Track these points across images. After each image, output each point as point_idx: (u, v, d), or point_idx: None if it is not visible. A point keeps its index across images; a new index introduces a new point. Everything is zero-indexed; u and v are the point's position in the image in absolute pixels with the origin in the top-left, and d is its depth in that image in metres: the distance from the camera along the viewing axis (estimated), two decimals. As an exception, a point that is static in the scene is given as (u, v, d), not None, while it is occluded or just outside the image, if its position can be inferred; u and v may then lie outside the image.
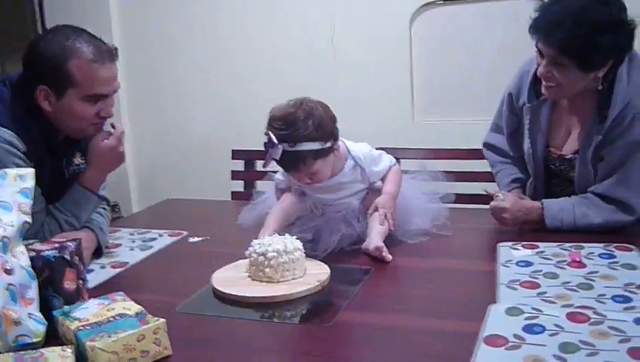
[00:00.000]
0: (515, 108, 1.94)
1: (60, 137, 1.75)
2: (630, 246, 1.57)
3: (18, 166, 1.55)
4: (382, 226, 1.67)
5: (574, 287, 1.36)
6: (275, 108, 1.67)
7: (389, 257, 1.60)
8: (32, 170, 1.37)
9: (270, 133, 1.63)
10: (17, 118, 1.62)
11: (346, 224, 1.74)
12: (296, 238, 1.58)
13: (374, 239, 1.63)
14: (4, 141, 1.57)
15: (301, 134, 1.61)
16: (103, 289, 1.50)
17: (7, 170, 1.35)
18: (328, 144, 1.66)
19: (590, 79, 1.66)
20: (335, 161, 1.73)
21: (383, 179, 1.80)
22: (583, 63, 1.62)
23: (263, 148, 1.66)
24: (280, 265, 1.46)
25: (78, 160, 1.82)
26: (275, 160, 1.65)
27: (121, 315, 1.20)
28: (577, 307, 1.25)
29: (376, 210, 1.70)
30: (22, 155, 1.60)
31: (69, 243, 1.34)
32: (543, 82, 1.72)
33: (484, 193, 1.82)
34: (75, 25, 1.70)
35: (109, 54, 1.65)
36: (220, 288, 1.45)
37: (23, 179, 1.35)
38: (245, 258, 1.54)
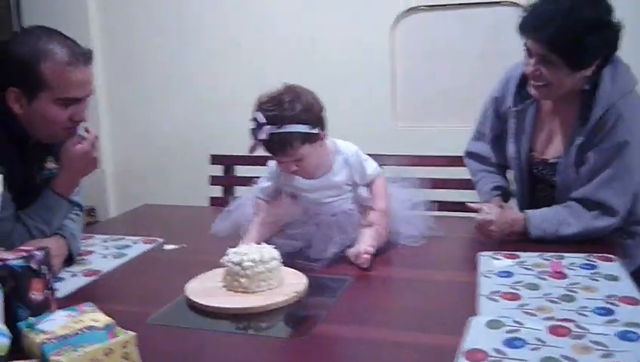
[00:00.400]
0: (499, 112, 1.93)
1: (32, 142, 1.68)
2: (611, 256, 1.56)
3: None
4: (372, 236, 1.64)
5: (556, 299, 1.33)
6: (262, 94, 1.67)
7: (364, 264, 1.57)
8: (0, 176, 1.32)
9: (258, 113, 1.61)
10: None
11: (340, 230, 1.69)
12: (285, 246, 1.60)
13: (361, 245, 1.61)
14: None
15: (288, 115, 1.61)
16: (74, 299, 1.45)
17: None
18: (316, 130, 1.65)
19: (577, 79, 1.67)
20: (324, 156, 1.71)
21: (370, 188, 1.77)
22: (571, 61, 1.63)
23: (251, 134, 1.64)
24: (256, 274, 1.43)
25: (50, 165, 1.76)
26: (263, 143, 1.62)
27: (89, 328, 1.15)
28: (559, 320, 1.23)
29: (369, 226, 1.67)
30: None
31: (36, 252, 1.29)
32: (532, 82, 1.72)
33: (469, 205, 1.79)
34: (53, 23, 1.65)
35: (83, 57, 1.60)
36: (194, 298, 1.41)
37: (-11, 185, 1.30)
38: (221, 267, 1.50)
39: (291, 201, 1.74)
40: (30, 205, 1.67)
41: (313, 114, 1.65)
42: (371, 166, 1.78)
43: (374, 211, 1.72)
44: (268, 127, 1.60)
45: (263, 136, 1.60)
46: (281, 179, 1.76)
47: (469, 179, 2.27)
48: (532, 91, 1.74)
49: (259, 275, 1.43)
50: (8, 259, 1.25)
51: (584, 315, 1.25)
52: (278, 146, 1.63)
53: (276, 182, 1.79)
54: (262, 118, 1.61)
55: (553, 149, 1.82)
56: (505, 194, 1.93)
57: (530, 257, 1.59)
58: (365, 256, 1.58)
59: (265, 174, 1.84)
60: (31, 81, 1.55)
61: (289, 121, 1.61)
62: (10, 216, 1.59)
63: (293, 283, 1.47)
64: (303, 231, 1.71)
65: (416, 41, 3.40)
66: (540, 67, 1.66)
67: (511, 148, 1.88)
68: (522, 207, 1.94)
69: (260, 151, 1.66)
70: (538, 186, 1.90)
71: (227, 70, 3.72)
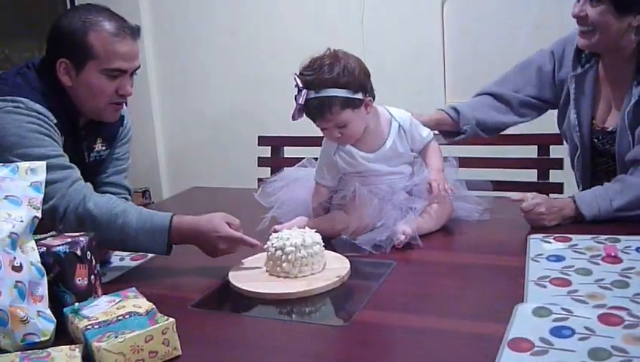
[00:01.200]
0: (548, 75, 1.92)
1: (82, 121, 1.72)
2: (671, 239, 1.48)
3: (49, 132, 1.56)
4: (420, 219, 1.63)
5: (608, 285, 1.27)
6: (306, 58, 1.66)
7: (399, 244, 1.56)
8: (43, 163, 1.34)
9: (297, 77, 1.62)
10: (45, 96, 1.61)
11: (391, 205, 1.67)
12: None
13: (402, 225, 1.58)
14: (39, 113, 1.57)
15: (326, 79, 1.59)
16: (119, 283, 1.48)
17: (19, 163, 1.32)
18: (358, 95, 1.62)
19: (624, 28, 1.63)
20: (374, 124, 1.70)
21: (424, 151, 1.77)
22: (618, 3, 1.60)
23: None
24: (298, 259, 1.41)
25: (98, 146, 1.79)
26: (304, 108, 1.62)
27: (130, 314, 1.16)
28: (610, 308, 1.17)
29: (430, 188, 1.66)
30: (54, 126, 1.59)
31: (80, 239, 1.31)
32: (578, 27, 1.71)
33: (511, 199, 1.73)
34: (104, 4, 1.69)
35: (130, 30, 1.64)
36: (236, 283, 1.41)
37: (34, 172, 1.32)
38: (264, 251, 1.50)
39: (344, 215, 1.68)
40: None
41: (354, 78, 1.61)
42: (425, 130, 1.77)
43: (431, 168, 1.71)
44: (306, 91, 1.59)
45: (301, 100, 1.60)
46: (336, 156, 1.73)
47: (525, 158, 2.21)
48: (578, 41, 1.72)
49: (301, 260, 1.42)
50: (53, 246, 1.28)
51: (638, 303, 1.19)
52: (316, 111, 1.62)
53: (331, 160, 1.75)
54: (300, 83, 1.61)
55: (613, 118, 1.76)
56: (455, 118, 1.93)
57: (583, 240, 1.53)
58: (402, 236, 1.56)
59: (321, 157, 1.80)
60: (79, 51, 1.60)
61: (327, 85, 1.59)
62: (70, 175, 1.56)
63: (336, 267, 1.46)
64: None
65: (468, 14, 3.31)
66: (585, 8, 1.64)
67: (572, 116, 1.83)
68: (583, 184, 1.88)
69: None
70: (598, 160, 1.83)
71: (275, 51, 3.71)
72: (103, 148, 1.81)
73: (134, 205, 1.60)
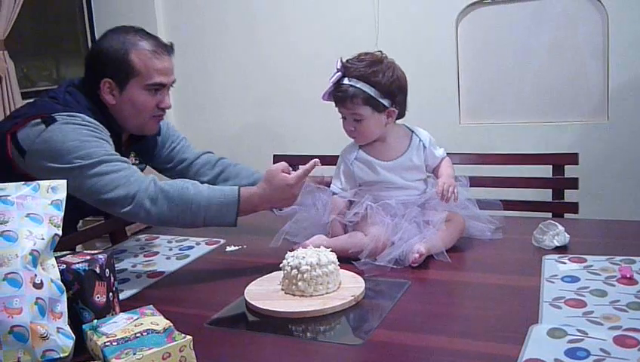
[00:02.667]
0: None
1: (124, 137, 1.84)
2: (686, 261, 1.48)
3: (108, 143, 1.67)
4: (435, 235, 1.64)
5: (623, 307, 1.27)
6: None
7: (414, 263, 1.57)
8: (64, 182, 1.36)
9: (339, 60, 1.71)
10: (94, 115, 1.71)
11: (406, 220, 1.69)
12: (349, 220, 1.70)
13: (417, 244, 1.59)
14: (95, 124, 1.67)
15: (360, 70, 1.68)
16: (137, 300, 1.50)
17: (40, 181, 1.35)
18: (384, 101, 1.69)
19: None
20: (400, 138, 1.79)
21: (437, 168, 1.81)
22: None
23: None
24: (313, 278, 1.42)
25: (132, 160, 1.87)
26: (333, 89, 1.71)
27: (148, 331, 1.18)
28: (626, 329, 1.17)
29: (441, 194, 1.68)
30: (109, 138, 1.70)
31: (99, 257, 1.33)
32: None
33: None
34: (122, 24, 1.82)
35: (165, 48, 1.78)
36: (252, 301, 1.42)
37: (55, 190, 1.34)
38: (280, 269, 1.51)
39: (361, 235, 1.69)
40: None
41: (386, 84, 1.69)
42: (440, 149, 1.84)
43: (442, 175, 1.76)
44: (340, 74, 1.69)
45: (333, 79, 1.69)
46: (353, 166, 1.77)
47: (538, 178, 2.21)
48: None
49: (316, 279, 1.43)
50: (73, 263, 1.30)
51: (654, 325, 1.19)
52: (340, 96, 1.71)
53: (348, 168, 1.79)
54: (339, 65, 1.70)
55: None
56: None
57: (598, 261, 1.53)
58: (416, 255, 1.57)
59: (338, 166, 1.83)
60: (122, 70, 1.71)
61: (359, 77, 1.68)
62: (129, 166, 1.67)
63: (350, 286, 1.46)
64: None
65: (482, 35, 3.34)
66: None
67: None
68: None
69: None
70: None
71: (290, 70, 3.75)
72: (137, 162, 1.92)
73: None
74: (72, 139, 1.61)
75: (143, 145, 1.92)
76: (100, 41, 1.77)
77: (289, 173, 1.66)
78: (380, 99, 1.69)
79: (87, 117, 1.67)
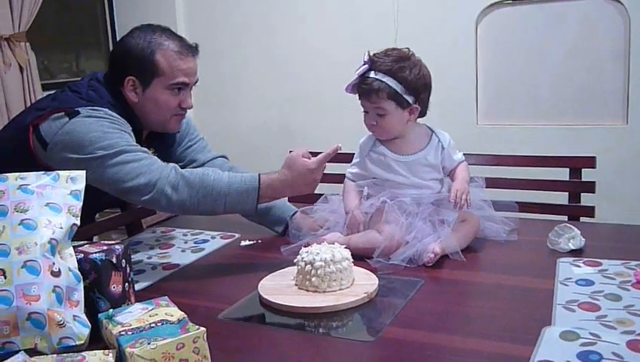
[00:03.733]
0: None
1: (145, 133, 1.85)
2: (702, 267, 1.47)
3: (130, 135, 1.69)
4: (450, 235, 1.64)
5: (638, 312, 1.27)
6: None
7: (429, 262, 1.58)
8: (83, 173, 1.38)
9: (367, 53, 1.71)
10: (117, 110, 1.73)
11: (420, 219, 1.69)
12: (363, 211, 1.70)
13: (432, 244, 1.60)
14: (118, 118, 1.70)
15: (387, 65, 1.68)
16: (151, 291, 1.51)
17: (59, 171, 1.36)
18: (408, 97, 1.69)
19: None
20: (420, 137, 1.78)
21: (453, 171, 1.80)
22: None
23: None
24: (327, 274, 1.43)
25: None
26: (357, 82, 1.71)
27: (162, 321, 1.19)
28: (639, 334, 1.17)
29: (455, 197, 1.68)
30: (131, 131, 1.71)
31: (116, 247, 1.35)
32: None
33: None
34: (143, 22, 1.83)
35: (190, 49, 1.79)
36: (265, 296, 1.43)
37: (74, 181, 1.36)
38: (294, 264, 1.52)
39: (376, 234, 1.69)
40: None
41: (412, 81, 1.69)
42: (459, 153, 1.83)
43: (457, 179, 1.75)
44: (366, 67, 1.69)
45: (359, 71, 1.70)
46: (367, 158, 1.78)
47: (555, 180, 2.20)
48: None
49: (330, 275, 1.43)
50: (90, 253, 1.31)
51: (668, 330, 1.19)
52: (365, 89, 1.71)
53: (363, 161, 1.80)
54: (366, 58, 1.70)
55: None
56: None
57: (613, 265, 1.52)
58: (431, 255, 1.57)
59: (355, 156, 1.85)
60: (147, 70, 1.73)
61: (385, 71, 1.68)
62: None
63: (364, 283, 1.47)
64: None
65: (501, 36, 3.32)
66: None
67: None
68: None
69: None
70: None
71: (306, 70, 3.76)
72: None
73: None
74: (94, 130, 1.62)
75: (161, 141, 1.93)
76: (126, 38, 1.78)
77: (309, 159, 1.65)
78: (405, 96, 1.69)
79: (109, 111, 1.69)
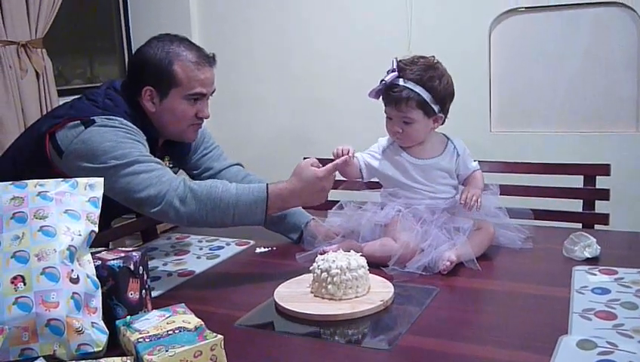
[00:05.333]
0: None
1: (160, 142, 1.86)
2: None
3: (144, 145, 1.70)
4: (465, 243, 1.64)
5: (655, 321, 1.27)
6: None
7: (444, 270, 1.58)
8: (101, 180, 1.39)
9: (395, 60, 1.71)
10: (133, 119, 1.74)
11: (435, 226, 1.69)
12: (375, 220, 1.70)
13: (447, 252, 1.60)
14: (132, 128, 1.70)
15: (418, 73, 1.69)
16: (167, 298, 1.52)
17: (78, 178, 1.38)
18: (435, 106, 1.70)
19: None
20: (433, 138, 1.79)
21: (467, 179, 1.81)
22: None
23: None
24: (343, 282, 1.43)
25: (166, 163, 1.89)
26: (384, 89, 1.70)
27: (180, 329, 1.20)
28: (657, 343, 1.17)
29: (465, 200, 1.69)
30: (146, 142, 1.72)
31: (133, 254, 1.36)
32: None
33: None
34: (157, 31, 1.84)
35: (208, 59, 1.79)
36: (281, 303, 1.44)
37: (92, 188, 1.37)
38: (310, 272, 1.52)
39: (392, 242, 1.68)
40: None
41: (440, 91, 1.70)
42: (474, 162, 1.84)
43: (470, 185, 1.76)
44: (395, 74, 1.69)
45: (387, 78, 1.69)
46: (382, 156, 1.79)
47: (569, 188, 2.20)
48: None
49: (346, 283, 1.44)
50: (108, 260, 1.32)
51: (685, 340, 1.18)
52: (394, 97, 1.70)
53: (379, 158, 1.80)
54: (395, 65, 1.70)
55: None
56: None
57: (629, 273, 1.52)
58: (447, 263, 1.58)
59: (373, 149, 1.84)
60: (164, 80, 1.73)
61: (416, 80, 1.68)
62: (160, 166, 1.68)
63: (380, 291, 1.47)
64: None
65: (515, 43, 3.32)
66: None
67: None
68: None
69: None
70: None
71: (321, 75, 3.77)
72: (171, 166, 1.93)
73: None
74: (109, 140, 1.64)
75: (176, 149, 1.94)
76: (144, 48, 1.78)
77: (318, 168, 1.65)
78: (433, 105, 1.70)
79: (124, 120, 1.70)
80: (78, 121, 1.68)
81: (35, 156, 1.72)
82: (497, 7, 3.29)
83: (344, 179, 1.82)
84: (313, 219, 1.92)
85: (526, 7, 3.25)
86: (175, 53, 1.74)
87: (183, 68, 1.73)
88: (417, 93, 1.68)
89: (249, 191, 1.62)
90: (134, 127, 1.71)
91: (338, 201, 1.87)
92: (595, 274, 1.53)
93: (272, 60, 3.93)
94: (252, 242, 1.95)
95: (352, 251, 1.54)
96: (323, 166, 1.65)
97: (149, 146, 1.74)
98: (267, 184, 1.63)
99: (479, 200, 1.69)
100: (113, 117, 1.69)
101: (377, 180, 1.85)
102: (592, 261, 1.62)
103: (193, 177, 2.05)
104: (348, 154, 1.70)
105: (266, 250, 1.88)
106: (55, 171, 1.66)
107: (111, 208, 1.67)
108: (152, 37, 1.81)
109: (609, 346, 1.16)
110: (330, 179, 1.65)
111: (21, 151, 1.81)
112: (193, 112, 1.78)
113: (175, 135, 1.84)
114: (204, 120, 1.84)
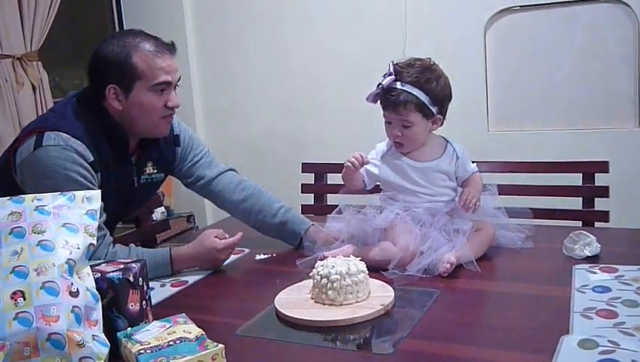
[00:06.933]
0: None
1: (133, 144, 1.81)
2: None
3: (82, 175, 1.65)
4: (465, 245, 1.64)
5: (656, 318, 1.27)
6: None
7: (444, 273, 1.57)
8: (98, 192, 1.39)
9: (391, 63, 1.70)
10: (88, 128, 1.70)
11: (434, 229, 1.69)
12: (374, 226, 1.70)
13: (447, 254, 1.60)
14: (74, 151, 1.65)
15: (415, 76, 1.68)
16: (164, 308, 1.51)
17: (75, 192, 1.37)
18: (433, 108, 1.70)
19: None
20: (432, 141, 1.79)
21: (466, 181, 1.81)
22: None
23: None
24: (343, 287, 1.43)
25: (149, 169, 1.88)
26: (381, 93, 1.70)
27: (181, 339, 1.20)
28: (659, 341, 1.17)
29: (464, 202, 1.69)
30: (88, 166, 1.67)
31: (133, 265, 1.36)
32: None
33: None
34: (152, 26, 1.83)
35: (167, 47, 1.75)
36: (282, 310, 1.44)
37: (90, 200, 1.36)
38: (310, 278, 1.52)
39: (391, 245, 1.68)
40: (127, 207, 1.84)
41: (438, 93, 1.70)
42: (472, 164, 1.84)
43: (469, 187, 1.76)
44: (392, 78, 1.68)
45: (385, 82, 1.68)
46: (381, 161, 1.79)
47: (567, 186, 2.19)
48: None
49: (346, 288, 1.43)
50: (107, 272, 1.32)
51: (687, 336, 1.18)
52: (393, 101, 1.69)
53: (379, 164, 1.80)
54: (392, 69, 1.69)
55: None
56: None
57: (629, 271, 1.52)
58: (447, 265, 1.57)
59: (372, 156, 1.83)
60: (126, 74, 1.69)
61: (414, 83, 1.68)
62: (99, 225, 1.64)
63: (380, 295, 1.47)
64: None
65: (510, 42, 3.32)
66: None
67: None
68: None
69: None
70: None
71: (317, 77, 3.77)
72: (155, 171, 1.90)
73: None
74: (50, 176, 1.62)
75: (159, 155, 1.89)
76: (100, 47, 1.74)
77: (221, 239, 1.76)
78: (431, 107, 1.70)
79: (73, 140, 1.65)
80: (34, 134, 1.66)
81: (5, 174, 1.73)
82: (492, 7, 3.29)
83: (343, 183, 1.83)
84: (313, 224, 1.92)
85: (520, 6, 3.25)
86: (132, 46, 1.69)
87: (142, 58, 1.69)
88: (415, 95, 1.68)
89: (153, 255, 1.73)
90: (80, 150, 1.65)
91: (337, 206, 1.87)
92: (595, 273, 1.53)
93: (267, 63, 3.93)
94: (247, 250, 1.94)
95: (351, 256, 1.54)
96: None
97: (118, 149, 1.74)
98: (170, 248, 1.77)
99: (478, 202, 1.70)
100: (60, 134, 1.65)
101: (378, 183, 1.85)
102: (592, 259, 1.62)
103: (187, 186, 2.03)
104: (363, 159, 1.71)
105: (266, 256, 1.88)
106: (19, 187, 1.66)
107: (113, 217, 1.68)
108: (107, 36, 1.77)
109: (611, 345, 1.16)
110: (226, 252, 1.77)
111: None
112: (162, 103, 1.72)
113: (147, 130, 1.78)
114: (175, 110, 1.79)
